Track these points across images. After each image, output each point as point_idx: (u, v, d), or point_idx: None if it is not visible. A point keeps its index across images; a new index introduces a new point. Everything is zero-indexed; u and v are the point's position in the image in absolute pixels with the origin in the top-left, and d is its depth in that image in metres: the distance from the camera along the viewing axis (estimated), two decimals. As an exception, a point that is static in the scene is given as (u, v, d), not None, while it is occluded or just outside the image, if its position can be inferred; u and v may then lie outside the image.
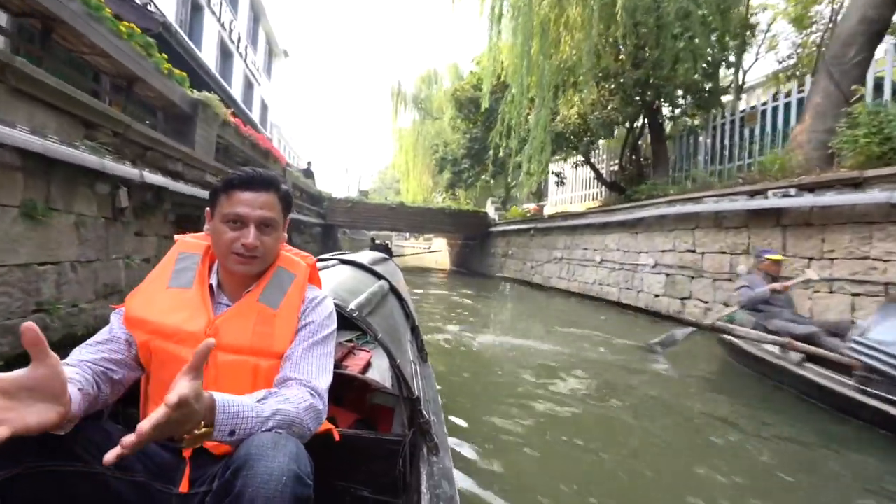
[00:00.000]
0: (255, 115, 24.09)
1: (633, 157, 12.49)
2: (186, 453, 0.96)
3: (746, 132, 9.15)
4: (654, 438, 3.07)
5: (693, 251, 7.27)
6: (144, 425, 0.69)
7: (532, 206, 18.58)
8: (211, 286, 1.11)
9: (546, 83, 8.53)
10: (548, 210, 16.80)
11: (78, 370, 0.91)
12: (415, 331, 2.35)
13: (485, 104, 10.89)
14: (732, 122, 9.68)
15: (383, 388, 1.84)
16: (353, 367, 2.05)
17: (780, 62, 13.31)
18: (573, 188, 16.70)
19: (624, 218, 9.17)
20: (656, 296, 8.07)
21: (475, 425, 2.96)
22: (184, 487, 0.89)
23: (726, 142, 9.79)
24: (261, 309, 1.07)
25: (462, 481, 2.09)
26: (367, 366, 2.17)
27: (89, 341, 1.03)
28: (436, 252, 30.48)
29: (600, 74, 8.57)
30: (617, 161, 14.11)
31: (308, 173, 23.57)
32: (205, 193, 6.90)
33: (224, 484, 0.77)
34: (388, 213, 17.81)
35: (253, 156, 10.10)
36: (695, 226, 7.24)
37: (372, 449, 1.30)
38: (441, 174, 18.36)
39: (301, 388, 0.99)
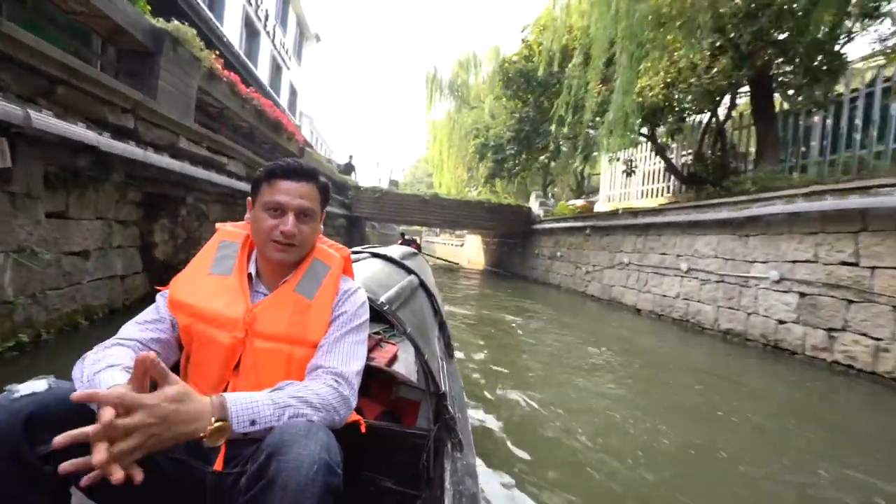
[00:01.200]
0: (283, 101, 22.76)
1: (718, 142, 10.20)
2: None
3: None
4: None
5: (854, 263, 5.06)
6: (99, 453, 0.70)
7: (578, 201, 16.38)
8: (249, 274, 1.14)
9: (634, 32, 6.41)
10: (600, 207, 14.58)
11: (131, 352, 0.96)
12: (442, 326, 2.30)
13: (543, 66, 8.80)
14: (870, 94, 7.30)
15: (410, 382, 1.81)
16: (380, 359, 1.95)
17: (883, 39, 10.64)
18: (630, 182, 14.41)
19: (727, 216, 6.97)
20: (781, 322, 5.88)
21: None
22: (218, 466, 0.92)
23: (857, 121, 7.42)
24: (297, 299, 1.10)
25: (485, 479, 2.08)
26: (394, 358, 2.02)
27: (137, 318, 1.07)
28: (468, 249, 28.50)
29: (706, 24, 6.36)
30: (690, 150, 11.81)
31: (349, 167, 21.99)
32: (183, 167, 5.16)
33: (258, 468, 0.79)
34: (420, 205, 15.98)
35: (258, 126, 8.41)
36: (860, 228, 5.03)
37: (397, 441, 1.32)
38: (481, 162, 16.29)
39: (326, 376, 1.02)
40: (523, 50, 11.55)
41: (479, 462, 1.52)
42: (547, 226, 15.09)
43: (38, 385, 0.81)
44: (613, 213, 10.96)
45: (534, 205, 16.91)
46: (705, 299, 7.37)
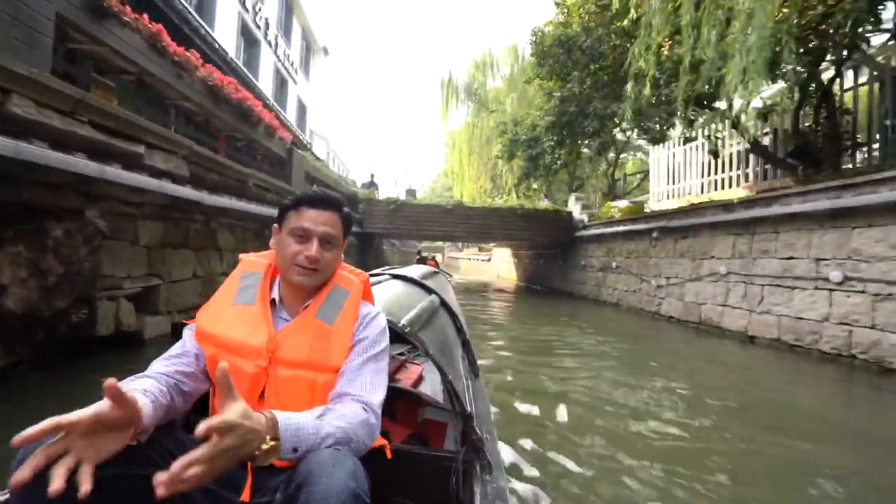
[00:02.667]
0: (290, 117, 21.11)
1: (824, 109, 7.69)
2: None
3: None
4: None
5: None
6: (193, 468, 0.72)
7: (621, 202, 13.91)
8: (273, 301, 1.16)
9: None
10: (654, 206, 12.07)
11: (155, 382, 0.98)
12: (466, 345, 2.27)
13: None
14: None
15: (436, 403, 1.74)
16: (406, 380, 1.90)
17: None
18: (690, 173, 11.91)
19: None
20: None
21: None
22: (245, 496, 0.91)
23: None
24: (317, 325, 1.12)
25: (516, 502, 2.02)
26: (420, 379, 1.97)
27: (165, 354, 1.10)
28: (498, 264, 26.10)
29: None
30: (766, 129, 9.31)
31: (370, 185, 20.12)
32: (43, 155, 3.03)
33: (287, 498, 0.81)
34: (443, 216, 13.76)
35: (214, 111, 6.34)
36: None
37: (425, 464, 1.29)
38: (509, 163, 13.97)
39: (355, 404, 1.02)
40: (559, 15, 9.32)
41: (509, 485, 1.43)
42: (594, 231, 12.63)
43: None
44: (694, 209, 8.47)
45: (574, 208, 14.48)
46: (883, 323, 4.83)
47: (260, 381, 1.05)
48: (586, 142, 9.99)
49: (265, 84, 17.42)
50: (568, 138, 9.70)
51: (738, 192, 10.08)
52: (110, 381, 0.74)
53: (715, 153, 9.03)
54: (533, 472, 2.42)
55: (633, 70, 6.14)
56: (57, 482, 0.70)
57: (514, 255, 21.96)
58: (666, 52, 5.16)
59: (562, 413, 3.40)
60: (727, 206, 7.54)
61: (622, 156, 26.65)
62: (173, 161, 4.49)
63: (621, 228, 10.99)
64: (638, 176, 25.33)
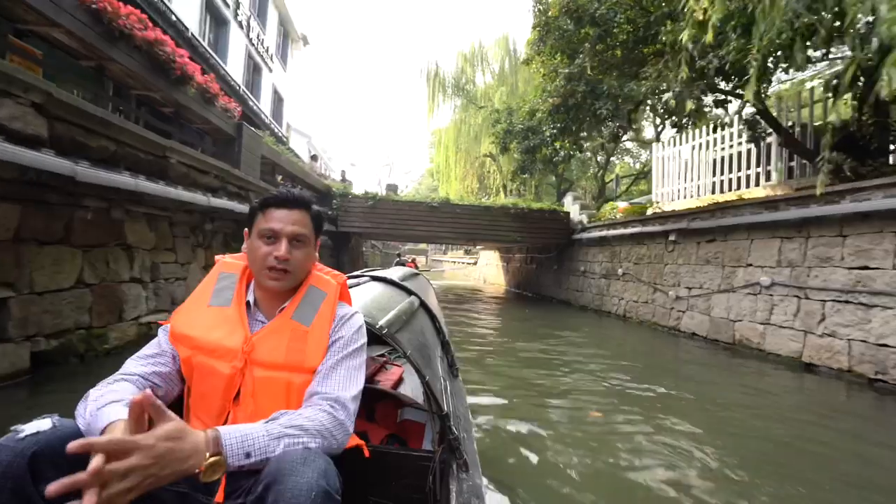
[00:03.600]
0: (265, 106, 19.46)
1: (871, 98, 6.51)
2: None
3: None
4: None
5: None
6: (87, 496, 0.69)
7: (621, 203, 12.70)
8: (248, 303, 1.15)
9: None
10: (667, 206, 10.86)
11: (132, 387, 0.98)
12: (445, 346, 2.23)
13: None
14: None
15: (414, 404, 1.81)
16: (385, 382, 1.98)
17: None
18: (691, 174, 10.72)
19: None
20: None
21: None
22: (219, 498, 0.90)
23: None
24: (294, 326, 1.11)
25: (492, 499, 2.07)
26: (399, 381, 2.06)
27: (139, 354, 1.09)
28: (484, 268, 24.74)
29: None
30: (792, 122, 8.14)
31: (342, 182, 18.61)
32: None
33: (256, 499, 0.80)
34: (427, 215, 12.30)
35: (113, 56, 4.77)
36: None
37: (402, 464, 1.31)
38: (503, 155, 12.53)
39: (321, 401, 1.01)
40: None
41: (485, 482, 1.47)
42: (595, 234, 11.34)
43: (42, 424, 0.82)
44: (723, 207, 7.19)
45: (572, 209, 13.19)
46: None
47: (235, 383, 1.05)
48: (595, 129, 8.62)
49: (235, 68, 15.78)
50: (574, 124, 8.35)
51: (757, 192, 8.92)
52: (140, 397, 0.77)
53: (757, 138, 7.78)
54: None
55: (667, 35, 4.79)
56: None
57: (503, 258, 20.63)
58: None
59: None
60: (770, 203, 6.27)
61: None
62: (17, 110, 2.96)
63: (629, 230, 9.70)
64: (626, 179, 24.41)
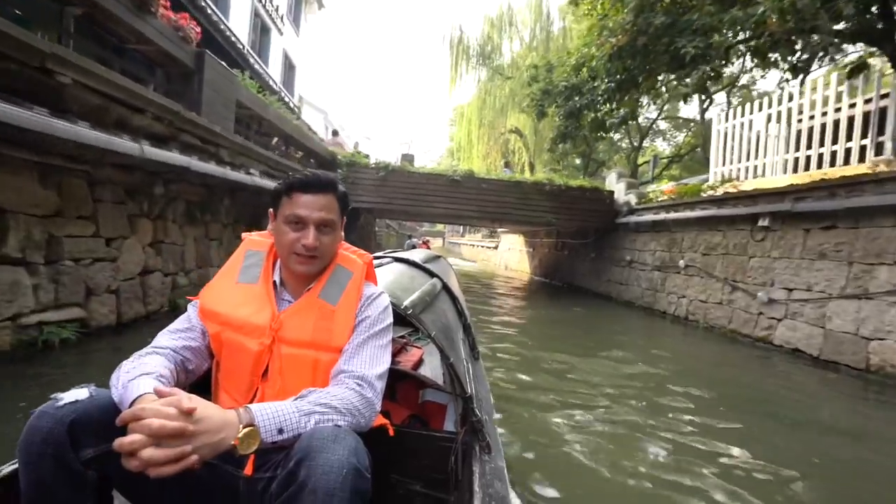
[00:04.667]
0: (274, 72, 17.83)
1: None
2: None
3: None
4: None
5: None
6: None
7: (667, 185, 10.76)
8: (274, 282, 1.14)
9: None
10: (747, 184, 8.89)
11: (164, 360, 1.00)
12: (467, 329, 2.26)
13: None
14: None
15: (436, 385, 1.77)
16: (406, 362, 1.98)
17: None
18: (770, 148, 8.65)
19: None
20: None
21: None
22: (248, 471, 0.91)
23: None
24: (321, 305, 1.11)
25: (514, 481, 1.98)
26: (420, 362, 2.08)
27: (170, 328, 1.10)
28: (505, 253, 22.98)
29: None
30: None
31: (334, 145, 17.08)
32: None
33: (288, 473, 0.80)
34: (448, 189, 10.55)
35: None
36: None
37: (425, 445, 1.31)
38: (540, 121, 10.57)
39: (348, 379, 1.01)
40: None
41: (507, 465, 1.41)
42: (647, 217, 9.47)
43: (80, 393, 0.86)
44: (858, 180, 5.29)
45: (617, 188, 11.29)
46: None
47: (263, 359, 1.05)
48: (673, 77, 6.67)
49: (238, 25, 14.12)
50: (640, 73, 6.45)
51: (860, 170, 6.94)
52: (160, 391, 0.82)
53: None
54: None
55: None
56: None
57: (528, 242, 18.82)
58: None
59: None
60: (940, 176, 4.38)
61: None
62: None
63: (697, 213, 7.83)
64: (658, 161, 22.20)
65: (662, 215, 8.94)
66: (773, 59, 5.57)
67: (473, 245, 33.19)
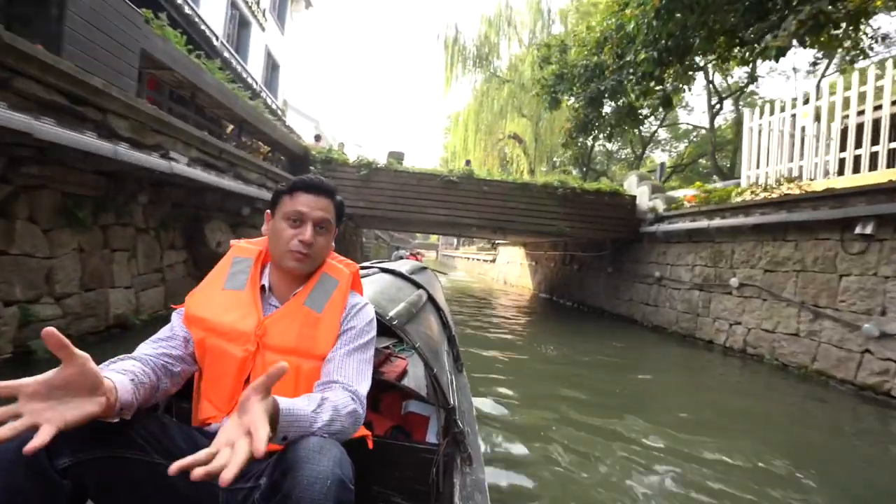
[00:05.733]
0: (255, 70, 16.33)
1: None
2: None
3: None
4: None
5: None
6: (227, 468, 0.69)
7: (689, 192, 9.24)
8: (262, 287, 1.15)
9: None
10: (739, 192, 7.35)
11: (136, 362, 0.97)
12: (451, 341, 2.23)
13: None
14: None
15: (419, 396, 1.77)
16: (390, 373, 1.96)
17: None
18: (794, 152, 7.12)
19: None
20: None
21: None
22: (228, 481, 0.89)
23: None
24: (306, 312, 1.11)
25: (494, 494, 1.98)
26: (403, 373, 2.03)
27: (153, 337, 1.09)
28: (504, 267, 21.33)
29: None
30: None
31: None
32: None
33: (273, 484, 0.80)
34: (442, 193, 8.93)
35: None
36: None
37: (406, 456, 1.30)
38: (551, 112, 8.91)
39: (345, 393, 1.00)
40: None
41: (488, 477, 1.38)
42: (679, 226, 7.89)
43: None
44: None
45: (639, 192, 9.73)
46: None
47: (247, 366, 1.05)
48: (751, 30, 5.05)
49: (212, 15, 12.57)
50: (699, 30, 4.88)
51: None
52: (49, 329, 0.73)
53: None
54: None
55: None
56: None
57: (530, 255, 17.19)
58: None
59: None
60: None
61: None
62: None
63: (755, 220, 6.23)
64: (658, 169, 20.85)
65: (703, 223, 7.35)
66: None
67: (469, 258, 31.53)
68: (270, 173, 6.74)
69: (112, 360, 0.96)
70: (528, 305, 12.50)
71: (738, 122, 19.87)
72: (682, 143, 25.43)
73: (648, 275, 8.88)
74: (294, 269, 1.11)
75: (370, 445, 1.15)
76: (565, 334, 7.81)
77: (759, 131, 9.00)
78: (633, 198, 9.59)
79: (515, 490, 2.28)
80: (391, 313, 1.40)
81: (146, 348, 1.04)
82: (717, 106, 19.75)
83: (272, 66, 19.27)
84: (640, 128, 17.01)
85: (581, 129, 7.76)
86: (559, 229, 9.15)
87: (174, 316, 1.13)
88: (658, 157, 26.10)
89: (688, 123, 24.08)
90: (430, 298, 2.17)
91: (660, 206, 9.00)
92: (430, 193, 8.95)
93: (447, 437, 1.35)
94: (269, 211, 1.17)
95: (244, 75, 13.86)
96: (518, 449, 2.79)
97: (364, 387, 1.06)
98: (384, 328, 1.38)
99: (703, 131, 23.90)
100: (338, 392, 0.99)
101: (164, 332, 1.10)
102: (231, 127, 6.83)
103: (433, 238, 54.92)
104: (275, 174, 6.84)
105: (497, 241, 13.82)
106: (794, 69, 22.81)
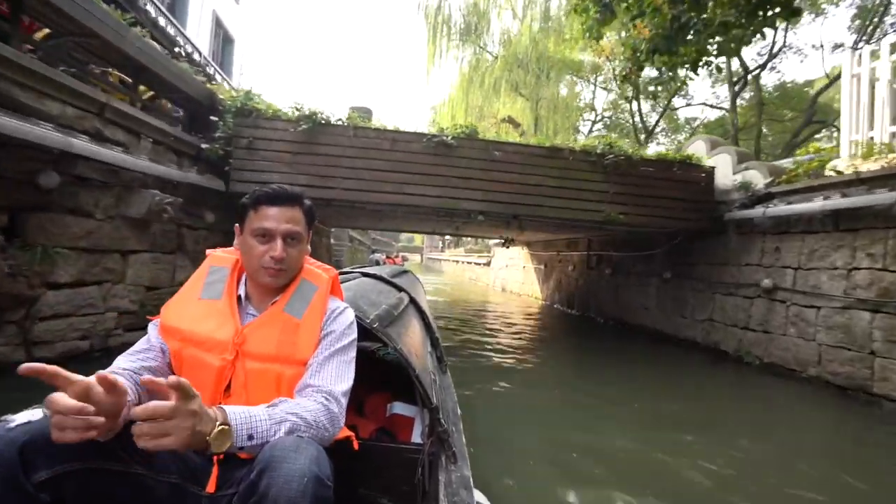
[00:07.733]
0: (197, 37, 13.07)
1: None
2: (219, 456, 0.96)
3: None
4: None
5: None
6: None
7: (801, 159, 6.31)
8: (239, 297, 1.14)
9: None
10: (843, 163, 4.45)
11: (123, 380, 0.93)
12: (435, 342, 2.26)
13: None
14: None
15: (403, 398, 1.77)
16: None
17: None
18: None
19: None
20: None
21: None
22: (211, 488, 0.91)
23: None
24: (286, 319, 1.11)
25: (481, 490, 1.84)
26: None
27: (130, 350, 1.08)
28: (503, 271, 18.22)
29: None
30: None
31: None
32: None
33: (249, 485, 0.79)
34: (432, 165, 5.80)
35: None
36: None
37: (391, 457, 1.30)
38: (602, 27, 5.84)
39: (316, 394, 1.01)
40: None
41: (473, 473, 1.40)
42: (810, 206, 4.88)
43: (33, 414, 0.82)
44: None
45: (718, 161, 6.70)
46: None
47: (226, 375, 1.04)
48: None
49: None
50: None
51: None
52: (102, 373, 0.75)
53: None
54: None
55: None
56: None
57: (535, 256, 14.08)
58: None
59: None
60: None
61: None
62: None
63: None
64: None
65: (872, 197, 4.33)
66: None
67: (458, 261, 28.30)
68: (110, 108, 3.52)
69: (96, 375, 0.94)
70: (542, 322, 9.41)
71: (759, 104, 17.40)
72: (680, 135, 22.96)
73: (745, 283, 5.84)
74: (269, 283, 1.11)
75: (355, 447, 1.15)
76: (618, 380, 4.69)
77: (869, 79, 6.03)
78: (711, 171, 6.56)
79: (503, 485, 2.29)
80: (371, 316, 1.41)
81: (123, 362, 1.03)
82: (741, 81, 17.34)
83: (224, 39, 15.93)
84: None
85: (665, 44, 4.59)
86: (609, 216, 6.03)
87: (150, 327, 1.12)
88: (653, 149, 23.74)
89: (704, 103, 21.50)
90: (413, 301, 2.19)
91: (758, 179, 5.98)
92: (413, 164, 5.76)
93: (432, 437, 1.36)
94: (237, 225, 1.15)
95: (181, 41, 10.57)
96: None
97: (342, 386, 1.05)
98: (366, 332, 1.33)
99: (707, 119, 21.53)
100: (308, 395, 1.00)
101: (140, 344, 1.09)
102: (103, 69, 3.67)
103: (417, 240, 51.58)
104: (115, 110, 3.61)
105: (511, 238, 10.51)
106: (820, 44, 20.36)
